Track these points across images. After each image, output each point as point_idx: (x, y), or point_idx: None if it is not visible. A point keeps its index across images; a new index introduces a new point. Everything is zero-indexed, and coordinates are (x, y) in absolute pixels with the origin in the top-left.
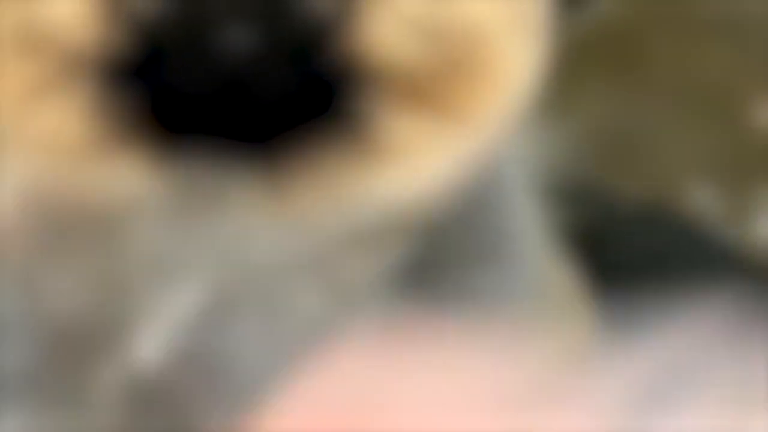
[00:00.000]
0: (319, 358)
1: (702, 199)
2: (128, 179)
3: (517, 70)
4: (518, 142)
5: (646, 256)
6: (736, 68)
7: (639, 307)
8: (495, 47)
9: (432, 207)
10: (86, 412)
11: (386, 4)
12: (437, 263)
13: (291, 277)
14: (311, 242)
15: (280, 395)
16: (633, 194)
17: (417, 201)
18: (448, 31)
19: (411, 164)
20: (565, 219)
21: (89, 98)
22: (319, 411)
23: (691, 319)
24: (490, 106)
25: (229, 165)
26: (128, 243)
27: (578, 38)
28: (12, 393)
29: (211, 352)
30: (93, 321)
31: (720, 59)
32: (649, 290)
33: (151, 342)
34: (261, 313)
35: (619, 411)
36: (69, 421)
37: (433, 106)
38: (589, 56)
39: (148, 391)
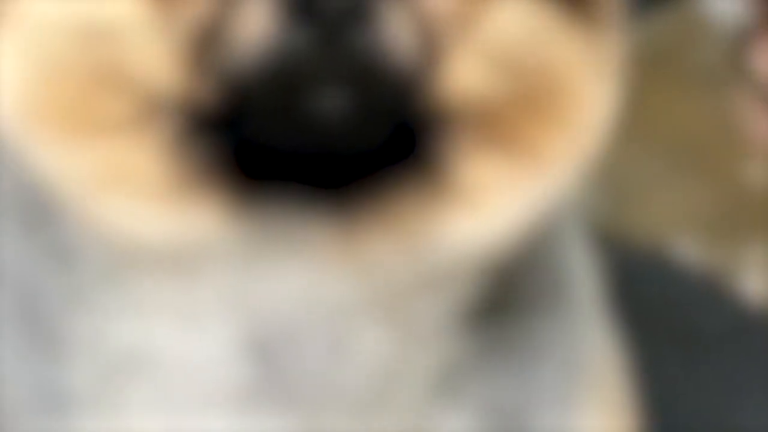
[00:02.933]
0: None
1: (691, 252)
2: (204, 223)
3: (593, 115)
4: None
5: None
6: (731, 125)
7: None
8: (573, 90)
9: (503, 249)
10: None
11: (470, 43)
12: (502, 306)
13: (360, 317)
14: (382, 285)
15: None
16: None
17: (489, 244)
18: (528, 69)
19: (485, 207)
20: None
21: (170, 141)
22: None
23: None
24: (564, 148)
25: (305, 210)
26: (204, 279)
27: None
28: None
29: (275, 379)
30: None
31: (712, 116)
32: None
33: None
34: (330, 351)
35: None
36: None
37: (509, 148)
38: None
39: None
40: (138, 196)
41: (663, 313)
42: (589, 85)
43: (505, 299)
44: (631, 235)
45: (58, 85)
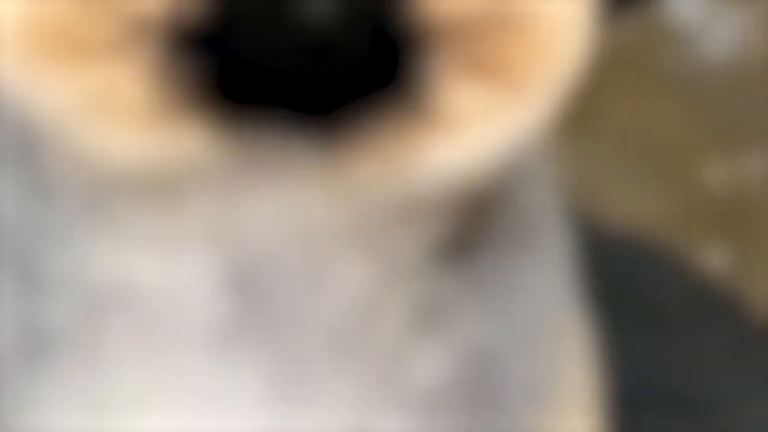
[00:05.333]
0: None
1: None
2: (187, 146)
3: (571, 41)
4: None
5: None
6: (689, 127)
7: None
8: (552, 14)
9: (483, 179)
10: None
11: None
12: (478, 244)
13: (341, 247)
14: (364, 213)
15: None
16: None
17: (469, 172)
18: None
19: (466, 133)
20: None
21: (155, 63)
22: None
23: None
24: (544, 75)
25: (290, 134)
26: (186, 205)
27: None
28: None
29: (255, 313)
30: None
31: (673, 118)
32: None
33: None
34: (310, 282)
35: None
36: None
37: (490, 73)
38: None
39: None
40: (122, 120)
41: (626, 289)
42: (567, 12)
43: (480, 237)
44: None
45: (42, 5)
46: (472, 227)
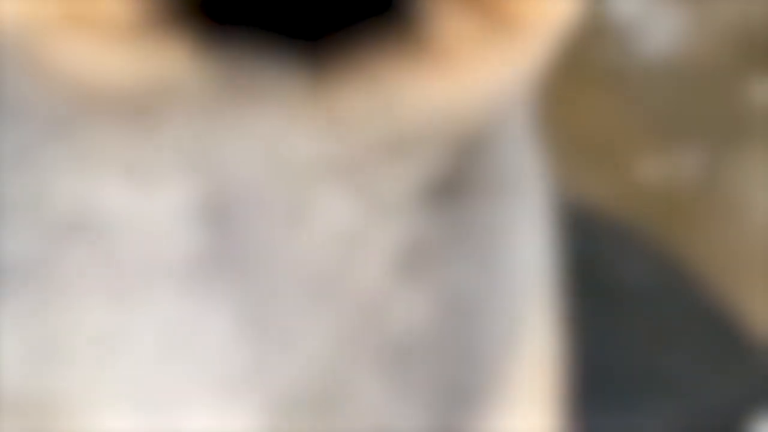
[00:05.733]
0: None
1: None
2: (167, 66)
3: (566, 3)
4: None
5: None
6: (625, 123)
7: None
8: None
9: (474, 118)
10: None
11: None
12: (462, 188)
13: (323, 181)
14: (349, 146)
15: None
16: None
17: (461, 108)
18: None
19: (460, 67)
20: None
21: None
22: None
23: None
24: (540, 25)
25: (276, 60)
26: (164, 131)
27: None
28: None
29: (229, 249)
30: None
31: (609, 113)
32: None
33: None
34: (289, 217)
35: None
36: None
37: (489, 15)
38: None
39: None
40: (100, 35)
41: (587, 267)
42: None
43: (466, 181)
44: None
45: None
46: (458, 169)
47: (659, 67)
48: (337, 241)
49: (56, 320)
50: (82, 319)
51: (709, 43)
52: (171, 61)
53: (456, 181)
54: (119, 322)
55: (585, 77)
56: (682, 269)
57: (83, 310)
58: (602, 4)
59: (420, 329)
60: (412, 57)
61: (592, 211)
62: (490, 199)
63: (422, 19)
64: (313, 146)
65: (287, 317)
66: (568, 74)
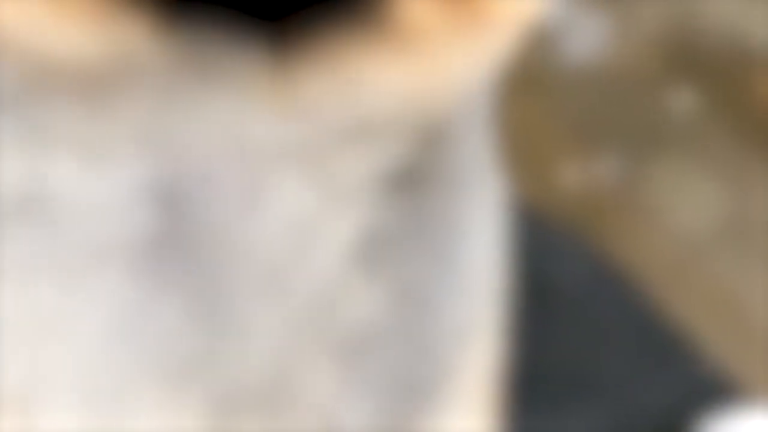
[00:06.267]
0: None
1: None
2: (126, 40)
3: None
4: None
5: None
6: (546, 127)
7: None
8: None
9: (437, 108)
10: None
11: None
12: (420, 178)
13: (280, 165)
14: (309, 131)
15: None
16: None
17: (425, 97)
18: None
19: (425, 54)
20: None
21: None
22: None
23: None
24: (506, 15)
25: (237, 40)
26: (120, 110)
27: None
28: None
29: (181, 232)
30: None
31: (531, 117)
32: None
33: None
34: (244, 200)
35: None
36: None
37: (456, 2)
38: None
39: None
40: (57, 9)
41: (522, 267)
42: None
43: (425, 171)
44: None
45: None
46: (418, 160)
47: (581, 73)
48: (292, 228)
49: (1, 304)
50: (25, 303)
51: (631, 50)
52: (131, 38)
53: (415, 171)
54: (65, 305)
55: (508, 81)
56: (615, 271)
57: (27, 293)
58: None
59: (373, 322)
60: (375, 42)
61: (526, 213)
62: (448, 191)
63: (387, 3)
64: (271, 130)
65: (238, 305)
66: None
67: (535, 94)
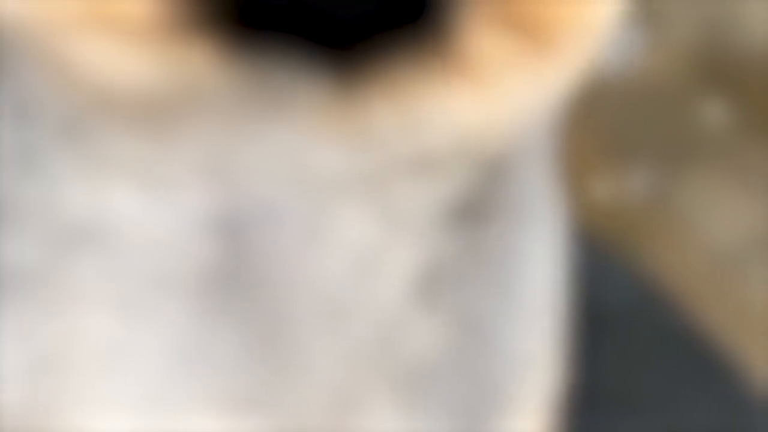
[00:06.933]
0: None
1: None
2: (191, 69)
3: (601, 23)
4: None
5: None
6: (578, 142)
7: None
8: None
9: (500, 140)
10: None
11: None
12: (483, 207)
13: (343, 196)
14: (372, 161)
15: None
16: None
17: (489, 127)
18: None
19: (490, 84)
20: None
21: None
22: None
23: None
24: (574, 44)
25: (301, 68)
26: (182, 139)
27: None
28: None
29: (243, 264)
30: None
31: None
32: None
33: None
34: (306, 232)
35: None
36: None
37: (523, 29)
38: None
39: None
40: (121, 35)
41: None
42: None
43: (487, 202)
44: None
45: None
46: (481, 191)
47: (612, 86)
48: (353, 260)
49: (59, 332)
50: (86, 332)
51: (663, 62)
52: (195, 66)
53: (477, 203)
54: (125, 336)
55: None
56: (659, 289)
57: (88, 322)
58: None
59: (436, 353)
60: (440, 71)
61: (574, 231)
62: (508, 222)
63: (453, 32)
64: (335, 160)
65: (299, 337)
66: None
67: (567, 108)
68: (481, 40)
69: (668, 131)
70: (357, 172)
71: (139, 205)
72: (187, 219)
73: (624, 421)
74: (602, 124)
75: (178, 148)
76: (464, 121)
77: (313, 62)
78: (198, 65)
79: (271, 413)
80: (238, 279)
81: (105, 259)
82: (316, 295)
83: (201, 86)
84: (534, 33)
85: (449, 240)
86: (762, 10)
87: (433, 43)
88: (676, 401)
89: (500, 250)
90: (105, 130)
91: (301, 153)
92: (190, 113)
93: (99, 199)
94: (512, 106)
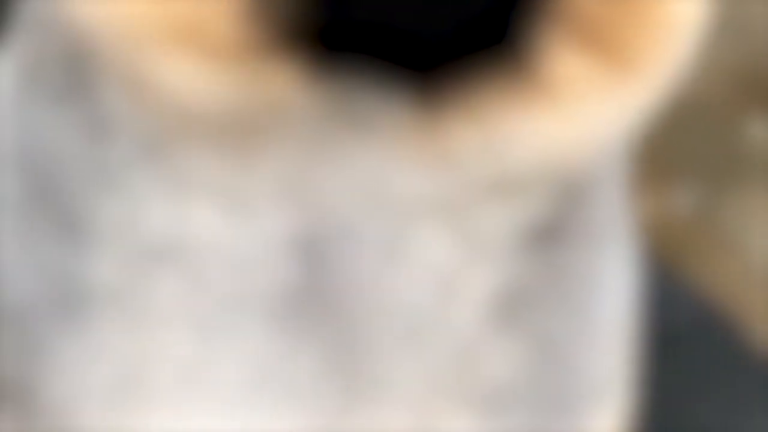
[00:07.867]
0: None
1: None
2: (274, 90)
3: (684, 44)
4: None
5: None
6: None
7: None
8: (675, 8)
9: (582, 164)
10: None
11: None
12: (560, 229)
13: (423, 219)
14: (453, 183)
15: None
16: None
17: (570, 149)
18: None
19: (572, 107)
20: None
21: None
22: None
23: None
24: (656, 65)
25: (383, 90)
26: (264, 159)
27: None
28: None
29: (322, 284)
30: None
31: None
32: None
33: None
34: (385, 254)
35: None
36: None
37: (602, 49)
38: None
39: None
40: (205, 54)
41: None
42: (686, 5)
43: (565, 224)
44: None
45: None
46: (559, 214)
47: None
48: (432, 281)
49: (140, 351)
50: (167, 351)
51: (710, 80)
52: (278, 87)
53: (556, 225)
54: (204, 354)
55: None
56: (719, 311)
57: (169, 340)
58: None
59: (513, 375)
60: (522, 93)
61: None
62: (584, 245)
63: (534, 55)
64: (416, 183)
65: (376, 358)
66: None
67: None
68: (562, 61)
69: (713, 148)
70: (438, 194)
71: (221, 225)
72: (267, 239)
73: None
74: (647, 141)
75: (260, 169)
76: (545, 142)
77: (395, 84)
78: (281, 86)
79: None
80: (318, 299)
81: (186, 278)
82: (395, 317)
83: (283, 107)
84: (614, 54)
85: (527, 262)
86: None
87: (513, 64)
88: (737, 424)
89: (577, 272)
90: (188, 149)
91: (383, 175)
92: (273, 134)
93: (181, 218)
94: (593, 127)
